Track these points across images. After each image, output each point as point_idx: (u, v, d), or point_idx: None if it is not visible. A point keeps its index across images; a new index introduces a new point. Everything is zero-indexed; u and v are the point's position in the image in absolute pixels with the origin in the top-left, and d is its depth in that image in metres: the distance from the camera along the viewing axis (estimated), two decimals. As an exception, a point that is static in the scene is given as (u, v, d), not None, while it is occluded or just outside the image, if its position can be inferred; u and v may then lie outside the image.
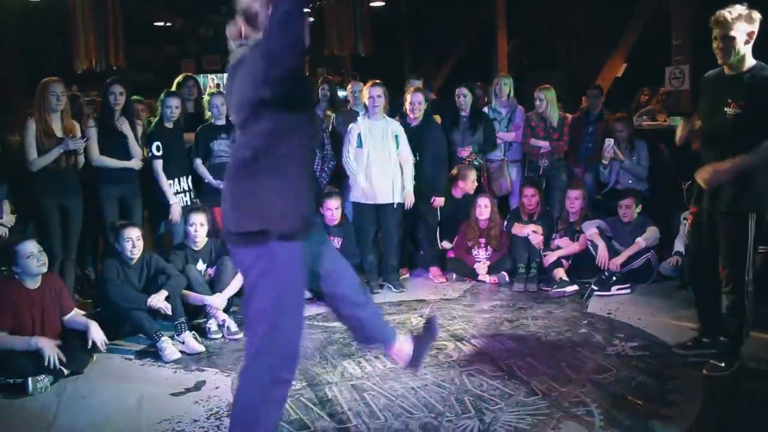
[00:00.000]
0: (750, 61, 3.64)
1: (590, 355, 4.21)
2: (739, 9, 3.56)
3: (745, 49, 3.59)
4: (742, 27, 3.55)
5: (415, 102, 5.96)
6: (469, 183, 6.16)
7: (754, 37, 3.59)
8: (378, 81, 5.78)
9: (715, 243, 3.85)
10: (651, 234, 5.69)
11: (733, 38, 3.55)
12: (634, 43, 9.17)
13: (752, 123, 3.56)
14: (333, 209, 5.62)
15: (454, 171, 6.22)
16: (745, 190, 3.65)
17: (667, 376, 3.85)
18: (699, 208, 3.91)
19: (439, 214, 6.23)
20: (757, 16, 3.58)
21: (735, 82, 3.63)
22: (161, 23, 12.46)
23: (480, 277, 6.01)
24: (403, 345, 3.09)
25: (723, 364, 3.83)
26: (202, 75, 13.39)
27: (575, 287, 5.58)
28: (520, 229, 6.00)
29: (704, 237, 3.91)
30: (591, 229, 5.78)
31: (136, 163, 5.39)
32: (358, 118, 5.86)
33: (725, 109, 3.62)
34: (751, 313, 3.83)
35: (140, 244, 4.79)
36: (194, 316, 4.97)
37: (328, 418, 3.49)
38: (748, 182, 3.64)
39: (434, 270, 6.13)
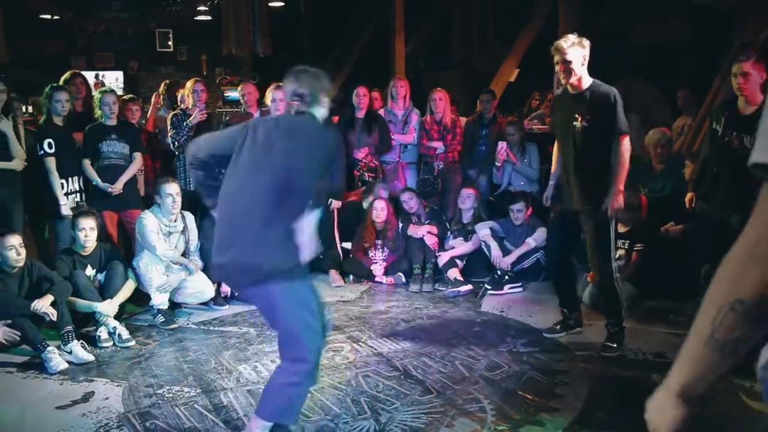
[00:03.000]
0: (587, 80, 4.16)
1: (483, 352, 4.34)
2: (572, 38, 4.10)
3: (581, 70, 4.11)
4: (577, 52, 4.05)
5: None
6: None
7: (587, 59, 4.10)
8: (281, 84, 5.73)
9: (574, 238, 4.44)
10: (540, 234, 5.91)
11: (571, 62, 4.05)
12: (526, 49, 9.48)
13: (596, 131, 4.12)
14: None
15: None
16: (600, 192, 4.17)
17: (555, 370, 4.03)
18: (561, 207, 4.41)
19: (335, 216, 6.26)
20: (587, 42, 4.10)
21: (579, 99, 4.18)
22: (47, 16, 11.82)
23: (377, 279, 6.09)
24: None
25: (615, 345, 4.29)
26: (94, 72, 12.91)
27: (469, 287, 5.73)
28: (415, 231, 6.11)
29: (563, 233, 4.45)
30: (484, 230, 5.96)
31: (17, 164, 5.10)
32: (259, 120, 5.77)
33: (575, 123, 4.15)
34: (623, 297, 4.30)
35: (23, 251, 4.53)
36: (83, 324, 4.77)
37: (223, 425, 3.44)
38: (601, 185, 4.17)
39: (333, 273, 6.14)
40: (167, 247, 5.16)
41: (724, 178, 4.49)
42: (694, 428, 3.19)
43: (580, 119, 4.12)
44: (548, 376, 3.96)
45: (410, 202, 6.22)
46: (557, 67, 4.15)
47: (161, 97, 7.20)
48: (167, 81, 7.52)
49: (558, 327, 4.61)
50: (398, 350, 4.42)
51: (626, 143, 4.13)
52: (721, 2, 6.78)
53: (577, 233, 4.40)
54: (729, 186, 4.45)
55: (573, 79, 4.11)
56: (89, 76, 12.24)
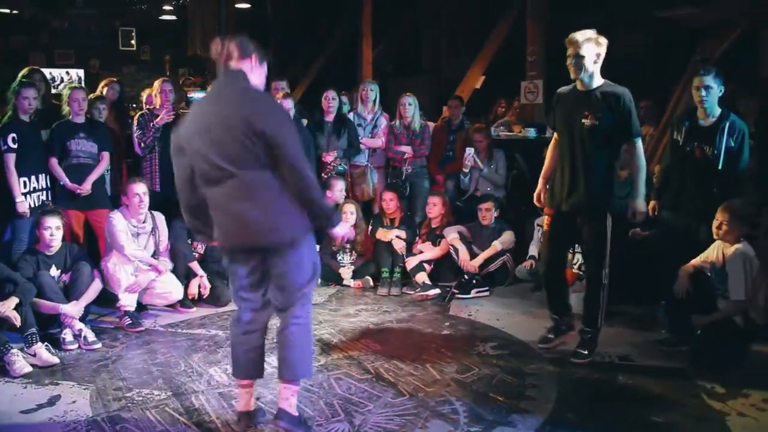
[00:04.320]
0: (599, 79, 4.09)
1: (453, 355, 4.38)
2: (589, 33, 3.99)
3: (594, 68, 4.03)
4: (591, 48, 3.98)
5: (287, 108, 5.94)
6: (336, 192, 6.20)
7: (602, 58, 4.03)
8: None
9: (568, 242, 4.35)
10: (507, 237, 6.00)
11: (583, 57, 3.98)
12: (492, 57, 9.60)
13: (606, 131, 4.04)
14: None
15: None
16: (603, 194, 4.11)
17: (525, 373, 4.09)
18: (556, 210, 4.29)
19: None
20: (603, 40, 4.01)
21: (588, 97, 4.07)
22: (6, 10, 11.55)
23: (345, 282, 6.10)
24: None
25: (586, 352, 4.27)
26: (52, 69, 12.67)
27: (437, 290, 5.77)
28: (383, 235, 6.13)
29: (559, 237, 4.35)
30: (452, 234, 6.02)
31: None
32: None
33: (583, 120, 4.06)
34: (604, 305, 4.26)
35: None
36: (47, 326, 4.66)
37: (196, 427, 3.41)
38: (604, 187, 4.11)
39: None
40: (136, 247, 5.10)
41: (688, 188, 4.60)
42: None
43: (589, 117, 4.02)
44: (518, 378, 4.01)
45: (391, 203, 6.26)
46: (568, 61, 4.03)
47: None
48: (111, 79, 7.15)
49: (551, 335, 4.54)
50: (369, 353, 4.43)
51: (640, 146, 4.11)
52: (686, 20, 6.97)
53: (572, 236, 4.30)
54: (693, 195, 4.56)
55: (584, 75, 4.02)
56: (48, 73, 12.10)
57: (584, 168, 4.10)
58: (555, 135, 4.40)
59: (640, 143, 4.12)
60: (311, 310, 3.31)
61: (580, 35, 3.97)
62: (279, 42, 13.85)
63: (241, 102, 3.00)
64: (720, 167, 4.47)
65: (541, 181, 4.50)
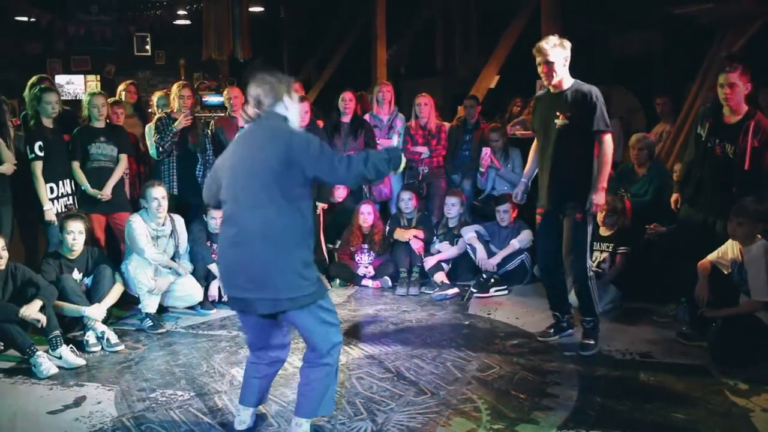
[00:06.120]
0: (569, 80, 4.30)
1: (474, 353, 4.39)
2: (554, 40, 4.22)
3: (563, 71, 4.24)
4: (559, 53, 4.18)
5: (301, 111, 5.96)
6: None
7: (568, 60, 4.24)
8: None
9: (558, 239, 4.45)
10: (525, 236, 6.01)
11: (552, 63, 4.18)
12: (506, 56, 9.59)
13: (577, 128, 4.24)
14: (218, 218, 5.51)
15: None
16: (576, 190, 4.29)
17: (546, 370, 4.10)
18: (545, 209, 4.48)
19: (321, 220, 6.27)
20: (567, 44, 4.23)
21: (560, 98, 4.30)
22: (24, 18, 11.68)
23: (363, 282, 6.11)
24: None
25: (592, 342, 4.41)
26: (69, 75, 12.82)
27: (456, 290, 5.78)
28: (401, 234, 6.15)
29: (549, 235, 4.52)
30: (470, 234, 6.03)
31: (8, 168, 5.02)
32: (247, 125, 5.76)
33: (555, 120, 4.27)
34: (596, 293, 4.45)
35: (5, 254, 4.47)
36: (69, 329, 4.72)
37: (220, 427, 3.44)
38: (579, 182, 4.29)
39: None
40: (156, 251, 5.14)
41: (706, 184, 4.58)
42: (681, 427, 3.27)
43: (561, 116, 4.23)
44: (539, 376, 4.02)
45: (409, 203, 6.28)
46: (539, 68, 4.24)
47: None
48: (129, 82, 7.15)
49: (551, 331, 4.66)
50: (389, 352, 4.45)
51: (608, 140, 4.23)
52: (701, 16, 6.92)
53: (560, 233, 4.42)
54: (712, 191, 4.54)
55: (555, 80, 4.22)
56: (61, 80, 12.23)
57: (558, 166, 4.31)
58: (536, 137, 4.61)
59: (607, 139, 4.23)
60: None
61: (545, 43, 4.18)
62: (292, 44, 13.92)
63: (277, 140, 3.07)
64: (742, 166, 4.42)
65: (522, 180, 4.73)
